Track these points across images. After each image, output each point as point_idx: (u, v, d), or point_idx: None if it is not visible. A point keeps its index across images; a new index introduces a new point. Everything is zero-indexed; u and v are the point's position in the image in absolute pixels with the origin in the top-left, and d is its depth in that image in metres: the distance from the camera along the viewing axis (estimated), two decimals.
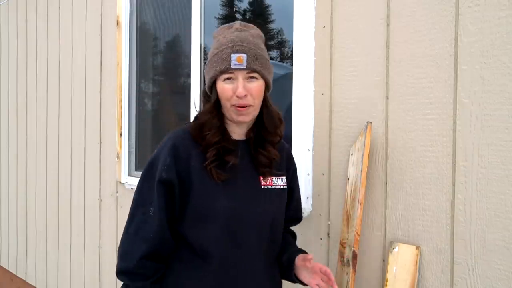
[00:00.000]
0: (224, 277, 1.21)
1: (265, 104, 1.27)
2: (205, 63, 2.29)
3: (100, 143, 2.88)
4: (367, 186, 1.50)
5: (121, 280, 1.23)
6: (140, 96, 2.75)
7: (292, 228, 1.51)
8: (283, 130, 1.33)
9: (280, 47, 2.16)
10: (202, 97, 1.33)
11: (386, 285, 1.41)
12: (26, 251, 3.78)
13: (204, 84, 1.31)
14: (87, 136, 3.00)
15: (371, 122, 1.49)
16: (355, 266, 1.40)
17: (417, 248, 1.40)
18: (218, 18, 2.33)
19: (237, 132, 1.29)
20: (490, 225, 1.26)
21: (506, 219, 1.24)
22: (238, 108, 1.20)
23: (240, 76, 1.19)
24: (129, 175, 2.65)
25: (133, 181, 2.58)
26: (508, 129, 1.23)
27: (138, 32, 2.72)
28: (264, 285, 1.29)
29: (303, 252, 1.36)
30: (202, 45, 2.30)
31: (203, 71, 1.29)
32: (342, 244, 1.54)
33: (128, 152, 2.68)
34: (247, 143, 1.30)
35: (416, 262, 1.39)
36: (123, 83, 2.65)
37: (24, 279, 3.81)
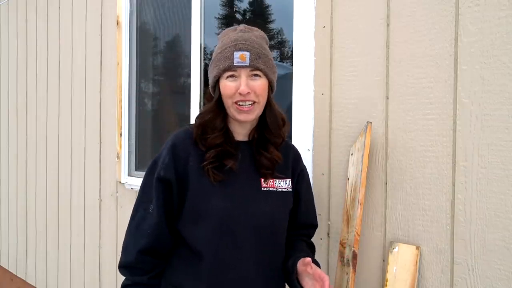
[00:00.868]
0: (218, 276, 1.20)
1: (268, 104, 1.27)
2: (205, 63, 2.30)
3: (100, 143, 2.88)
4: (367, 186, 1.50)
5: (121, 273, 1.26)
6: (140, 96, 2.75)
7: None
8: (286, 131, 1.33)
9: (280, 47, 2.16)
10: (204, 98, 1.36)
11: (386, 285, 1.41)
12: (26, 251, 3.78)
13: (207, 85, 1.32)
14: (87, 136, 3.00)
15: (371, 122, 1.49)
16: (355, 266, 1.40)
17: (417, 248, 1.40)
18: (218, 18, 2.33)
19: (240, 133, 1.29)
20: (490, 225, 1.26)
21: (506, 219, 1.24)
22: (239, 106, 1.20)
23: (243, 74, 1.20)
24: (129, 175, 2.65)
25: (133, 181, 2.58)
26: (508, 129, 1.23)
27: (138, 32, 2.72)
28: None
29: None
30: (202, 45, 2.30)
31: (207, 71, 1.31)
32: (342, 244, 1.54)
33: (128, 152, 2.68)
34: (249, 144, 1.30)
35: (416, 262, 1.39)
36: (123, 83, 2.65)
37: (24, 279, 3.81)
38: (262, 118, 1.29)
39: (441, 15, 1.36)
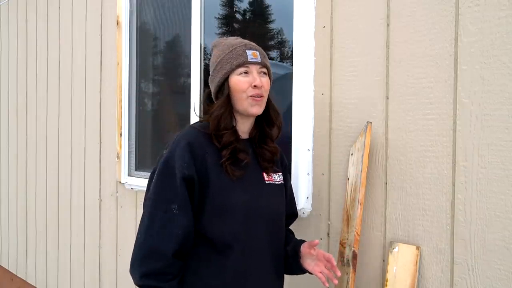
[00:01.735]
0: (242, 267, 1.25)
1: (269, 100, 1.37)
2: (205, 63, 2.29)
3: (100, 143, 2.88)
4: (367, 186, 1.50)
5: (147, 284, 1.17)
6: (140, 96, 2.75)
7: (291, 226, 1.55)
8: (281, 121, 1.41)
9: (280, 47, 2.16)
10: (203, 100, 1.40)
11: (386, 285, 1.41)
12: (26, 251, 3.78)
13: (207, 85, 1.37)
14: (87, 136, 3.00)
15: (371, 122, 1.49)
16: (355, 266, 1.40)
17: (417, 248, 1.40)
18: (218, 18, 2.33)
19: (242, 131, 1.35)
20: (490, 225, 1.26)
21: (506, 219, 1.24)
22: (255, 98, 1.28)
23: (255, 70, 1.30)
24: (129, 175, 2.65)
25: (133, 181, 2.58)
26: (508, 129, 1.23)
27: (138, 32, 2.72)
28: (271, 278, 1.34)
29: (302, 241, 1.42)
30: (202, 45, 2.30)
31: (209, 72, 1.36)
32: (342, 244, 1.54)
33: (128, 152, 2.68)
34: (250, 142, 1.37)
35: (416, 262, 1.39)
36: (123, 83, 2.65)
37: (24, 279, 3.81)
38: (260, 116, 1.36)
39: (441, 15, 1.36)
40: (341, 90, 1.61)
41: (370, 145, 1.49)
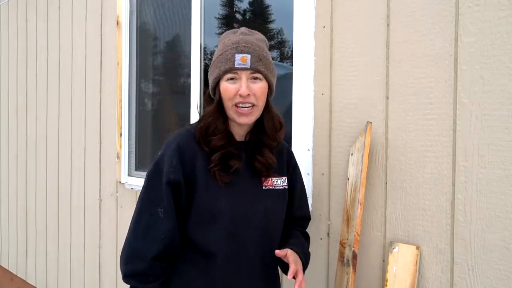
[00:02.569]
0: (228, 275, 1.22)
1: (266, 106, 1.28)
2: (205, 63, 2.30)
3: (100, 143, 2.87)
4: (367, 186, 1.50)
5: (129, 283, 1.21)
6: (140, 96, 2.75)
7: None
8: (282, 135, 1.33)
9: (280, 47, 2.16)
10: (204, 100, 1.35)
11: (386, 285, 1.41)
12: (26, 251, 3.78)
13: (207, 85, 1.32)
14: (87, 136, 3.00)
15: (371, 122, 1.49)
16: (355, 266, 1.40)
17: (417, 248, 1.40)
18: (218, 18, 2.33)
19: (238, 133, 1.30)
20: (490, 225, 1.26)
21: (506, 219, 1.24)
22: (239, 109, 1.21)
23: (244, 76, 1.20)
24: (129, 175, 2.65)
25: (133, 181, 2.58)
26: (508, 129, 1.23)
27: (138, 32, 2.72)
28: (258, 285, 1.29)
29: (302, 246, 1.34)
30: (202, 45, 2.30)
31: (207, 72, 1.31)
32: (342, 244, 1.54)
33: (128, 152, 2.68)
34: (246, 144, 1.31)
35: (416, 262, 1.39)
36: (123, 83, 2.65)
37: (24, 279, 3.81)
38: (259, 121, 1.29)
39: (441, 15, 1.36)
40: (341, 90, 1.61)
41: (370, 145, 1.49)
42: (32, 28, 3.66)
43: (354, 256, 1.40)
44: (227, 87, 1.21)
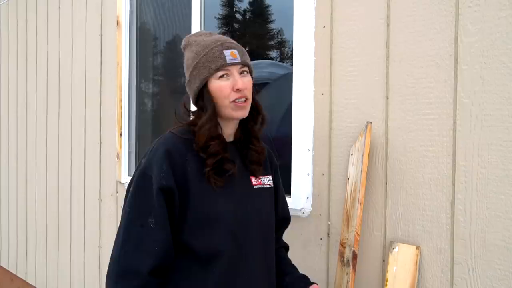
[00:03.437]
0: (229, 279, 1.18)
1: (253, 98, 1.27)
2: None
3: (100, 143, 2.88)
4: (367, 186, 1.50)
5: None
6: (140, 96, 2.75)
7: (286, 229, 1.48)
8: (266, 115, 1.31)
9: (280, 47, 2.16)
10: (182, 106, 1.29)
11: (386, 285, 1.41)
12: (26, 251, 3.78)
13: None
14: (87, 136, 3.00)
15: (371, 122, 1.49)
16: (355, 266, 1.40)
17: (417, 248, 1.40)
18: (218, 18, 2.33)
19: (226, 133, 1.26)
20: (490, 225, 1.26)
21: (506, 219, 1.24)
22: (238, 104, 1.18)
23: (235, 71, 1.19)
24: (129, 175, 2.65)
25: None
26: (508, 129, 1.23)
27: (138, 32, 2.72)
28: (263, 286, 1.27)
29: (306, 280, 1.34)
30: None
31: (187, 77, 1.26)
32: (342, 244, 1.54)
33: (128, 152, 2.68)
34: (235, 144, 1.28)
35: (416, 262, 1.39)
36: (123, 83, 2.65)
37: (24, 279, 3.81)
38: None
39: (441, 15, 1.36)
40: (341, 90, 1.61)
41: (370, 145, 1.49)
42: (32, 28, 3.66)
43: (354, 256, 1.40)
44: (221, 85, 1.18)
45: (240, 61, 1.19)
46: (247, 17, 2.28)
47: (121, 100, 2.66)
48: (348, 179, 1.56)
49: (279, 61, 2.18)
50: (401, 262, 1.41)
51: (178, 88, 2.61)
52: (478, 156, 1.28)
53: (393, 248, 1.44)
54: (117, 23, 2.68)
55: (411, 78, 1.42)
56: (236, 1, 2.28)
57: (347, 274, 1.43)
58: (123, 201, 1.22)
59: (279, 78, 2.12)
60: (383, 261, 1.49)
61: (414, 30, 1.41)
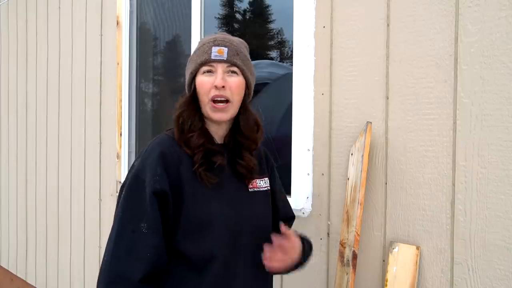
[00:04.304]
0: (223, 283, 1.15)
1: (243, 105, 1.23)
2: None
3: (100, 143, 2.87)
4: (367, 186, 1.50)
5: None
6: (140, 96, 2.75)
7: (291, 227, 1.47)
8: (261, 135, 1.27)
9: (280, 47, 2.16)
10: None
11: (386, 285, 1.41)
12: (26, 251, 3.78)
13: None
14: (87, 136, 3.00)
15: (371, 122, 1.49)
16: (355, 266, 1.40)
17: (417, 248, 1.40)
18: (218, 18, 2.33)
19: (217, 134, 1.24)
20: (490, 225, 1.26)
21: (506, 219, 1.24)
22: (214, 104, 1.16)
23: (220, 68, 1.17)
24: None
25: None
26: (508, 129, 1.23)
27: (138, 32, 2.72)
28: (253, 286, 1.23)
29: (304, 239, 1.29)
30: None
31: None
32: (342, 244, 1.54)
33: (128, 152, 2.68)
34: (226, 147, 1.24)
35: (416, 262, 1.39)
36: (123, 83, 2.65)
37: (24, 279, 3.81)
38: (236, 122, 1.24)
39: (441, 15, 1.36)
40: (341, 90, 1.61)
41: (370, 145, 1.49)
42: (32, 28, 3.66)
43: (354, 256, 1.40)
44: (202, 80, 1.17)
45: (225, 58, 1.16)
46: (247, 17, 2.28)
47: (121, 100, 2.66)
48: (348, 179, 1.56)
49: (279, 61, 2.18)
50: (401, 262, 1.41)
51: (178, 88, 2.61)
52: (478, 156, 1.28)
53: (393, 248, 1.44)
54: (117, 23, 2.68)
55: (411, 78, 1.42)
56: (236, 1, 2.28)
57: (347, 274, 1.43)
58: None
59: (279, 78, 2.12)
60: (383, 261, 1.49)
61: (414, 30, 1.42)
